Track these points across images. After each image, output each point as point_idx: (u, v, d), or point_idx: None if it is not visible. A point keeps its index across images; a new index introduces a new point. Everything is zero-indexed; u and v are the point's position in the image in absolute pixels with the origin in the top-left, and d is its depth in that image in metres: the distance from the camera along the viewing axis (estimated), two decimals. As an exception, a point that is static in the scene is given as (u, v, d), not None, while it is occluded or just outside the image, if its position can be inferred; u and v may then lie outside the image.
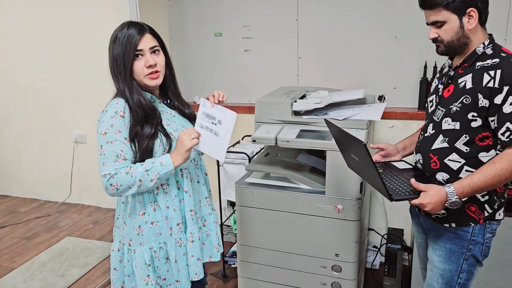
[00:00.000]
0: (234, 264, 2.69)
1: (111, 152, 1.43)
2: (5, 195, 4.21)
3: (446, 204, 1.37)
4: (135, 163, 1.46)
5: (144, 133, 1.46)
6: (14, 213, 3.83)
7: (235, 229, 2.63)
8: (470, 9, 1.38)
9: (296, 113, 2.15)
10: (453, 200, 1.36)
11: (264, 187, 2.12)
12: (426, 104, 1.62)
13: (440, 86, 1.53)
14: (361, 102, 2.29)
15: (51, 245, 3.20)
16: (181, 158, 1.45)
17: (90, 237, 3.32)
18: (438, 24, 1.42)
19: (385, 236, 2.59)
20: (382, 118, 2.54)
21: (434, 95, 1.56)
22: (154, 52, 1.49)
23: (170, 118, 1.56)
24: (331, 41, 2.76)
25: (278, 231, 2.12)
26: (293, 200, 2.05)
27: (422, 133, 1.59)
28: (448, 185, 1.37)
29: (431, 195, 1.36)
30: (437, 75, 1.62)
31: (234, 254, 2.72)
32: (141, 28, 1.47)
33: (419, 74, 2.57)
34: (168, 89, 1.61)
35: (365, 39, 2.68)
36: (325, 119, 1.64)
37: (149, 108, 1.47)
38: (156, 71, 1.49)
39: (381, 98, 2.64)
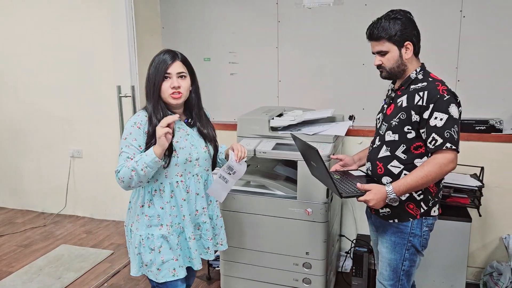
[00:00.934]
0: (217, 267, 2.94)
1: (125, 153, 1.70)
2: (2, 207, 4.42)
3: (386, 201, 1.67)
4: None
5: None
6: (11, 223, 4.04)
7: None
8: (407, 42, 1.71)
9: (273, 128, 2.45)
10: (392, 197, 1.66)
11: (245, 193, 2.40)
12: (376, 122, 1.94)
13: (385, 106, 1.86)
14: (331, 120, 2.61)
15: (47, 252, 3.40)
16: (159, 146, 1.62)
17: (84, 245, 3.54)
18: (382, 53, 1.74)
19: (354, 241, 2.87)
20: (352, 135, 2.88)
21: (381, 114, 1.89)
22: (180, 77, 1.73)
23: (183, 135, 1.79)
24: (308, 67, 3.10)
25: (256, 232, 2.40)
26: (270, 205, 2.34)
27: (371, 145, 1.89)
28: (387, 184, 1.68)
29: (374, 193, 1.66)
30: (384, 97, 1.95)
31: (217, 258, 2.97)
32: (174, 55, 1.74)
33: (383, 96, 2.90)
34: (192, 110, 1.84)
35: (337, 65, 3.02)
36: (291, 133, 1.94)
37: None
38: (179, 92, 1.72)
39: (351, 118, 2.97)
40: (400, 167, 1.74)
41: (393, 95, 1.82)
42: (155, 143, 1.65)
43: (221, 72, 3.34)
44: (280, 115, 2.64)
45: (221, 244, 2.02)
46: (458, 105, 1.67)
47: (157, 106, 1.72)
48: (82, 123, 3.90)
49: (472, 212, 2.52)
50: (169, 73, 1.71)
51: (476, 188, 2.46)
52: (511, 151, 2.66)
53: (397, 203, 1.71)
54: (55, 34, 3.78)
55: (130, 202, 1.89)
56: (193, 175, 1.82)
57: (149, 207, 1.79)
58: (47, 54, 3.84)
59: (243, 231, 2.42)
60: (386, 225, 1.83)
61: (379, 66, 1.79)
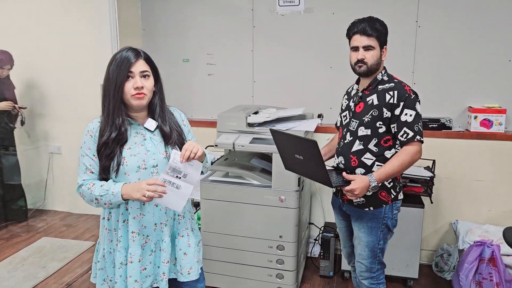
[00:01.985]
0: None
1: (83, 164, 1.63)
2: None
3: (369, 189, 1.88)
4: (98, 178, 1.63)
5: (104, 153, 1.60)
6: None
7: (199, 224, 3.11)
8: (385, 46, 1.98)
9: (250, 125, 2.70)
10: (374, 185, 1.88)
11: (224, 183, 2.64)
12: (340, 119, 2.17)
13: (352, 104, 2.08)
14: (302, 117, 2.88)
15: (29, 244, 3.52)
16: (129, 196, 1.55)
17: (65, 237, 3.67)
18: (369, 48, 1.92)
19: (322, 229, 3.15)
20: (320, 132, 3.16)
21: (347, 111, 2.11)
22: (144, 76, 1.61)
23: (139, 141, 1.64)
24: (280, 69, 3.36)
25: (234, 218, 2.63)
26: (247, 193, 2.58)
27: (342, 140, 2.09)
28: (369, 174, 1.90)
29: (359, 182, 1.85)
30: (345, 97, 2.18)
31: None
32: (137, 53, 1.61)
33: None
34: (154, 111, 1.69)
35: (307, 68, 3.29)
36: (270, 129, 2.09)
37: (122, 129, 1.60)
38: (142, 93, 1.59)
39: (320, 116, 3.25)
40: (372, 159, 1.97)
41: (360, 94, 2.04)
42: (100, 157, 1.60)
43: (199, 72, 3.55)
44: (255, 113, 2.89)
45: (181, 273, 1.72)
46: (419, 102, 1.96)
47: (118, 109, 1.59)
48: (61, 120, 4.01)
49: (426, 200, 2.84)
50: (132, 72, 1.58)
51: (429, 179, 2.79)
52: (459, 146, 3.01)
53: (371, 193, 1.96)
54: (38, 32, 3.87)
55: None
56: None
57: (108, 220, 1.69)
58: (29, 52, 3.93)
59: (222, 218, 2.65)
60: (361, 213, 2.04)
61: (361, 61, 1.94)
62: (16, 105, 3.81)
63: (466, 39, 2.97)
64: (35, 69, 3.99)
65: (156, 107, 1.69)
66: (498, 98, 2.96)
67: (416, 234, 2.79)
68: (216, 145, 2.57)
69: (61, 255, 3.33)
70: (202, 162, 1.65)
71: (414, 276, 2.84)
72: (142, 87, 1.59)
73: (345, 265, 2.86)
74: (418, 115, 1.92)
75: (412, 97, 1.93)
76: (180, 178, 1.57)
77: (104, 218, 1.70)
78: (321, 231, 3.12)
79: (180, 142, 1.70)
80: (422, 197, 2.86)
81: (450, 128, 3.02)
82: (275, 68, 3.38)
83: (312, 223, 3.35)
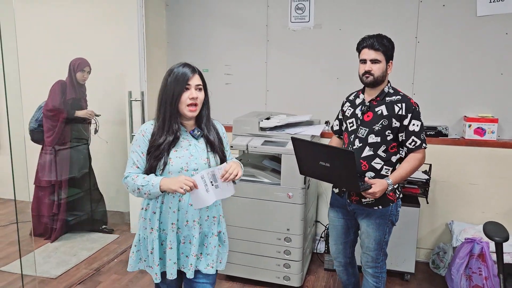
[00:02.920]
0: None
1: (131, 159, 1.84)
2: (11, 199, 4.84)
3: (386, 191, 2.14)
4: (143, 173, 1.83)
5: (154, 154, 1.81)
6: (24, 213, 4.47)
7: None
8: (390, 61, 2.24)
9: (262, 129, 3.00)
10: (391, 187, 2.16)
11: (238, 181, 2.93)
12: (345, 125, 2.37)
13: (358, 112, 2.29)
14: (309, 123, 3.18)
15: (60, 235, 3.87)
16: (168, 187, 1.73)
17: (93, 230, 4.01)
18: (376, 62, 2.16)
19: (327, 226, 3.42)
20: (326, 137, 3.43)
21: (353, 119, 2.30)
22: (198, 89, 1.84)
23: (185, 145, 1.85)
24: (291, 79, 3.67)
25: (247, 213, 2.93)
26: (258, 190, 2.88)
27: (350, 146, 2.30)
28: (387, 178, 2.16)
29: (379, 186, 2.11)
30: (348, 104, 2.40)
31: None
32: (193, 69, 1.84)
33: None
34: (202, 121, 1.91)
35: (315, 78, 3.60)
36: (291, 137, 2.20)
37: (177, 134, 1.82)
38: (196, 104, 1.82)
39: (326, 122, 3.54)
40: (381, 163, 2.23)
41: (368, 104, 2.26)
42: (150, 157, 1.79)
43: (218, 81, 3.88)
44: (267, 118, 3.19)
45: (212, 267, 1.94)
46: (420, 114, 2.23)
47: (174, 116, 1.82)
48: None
49: (423, 203, 3.10)
50: (189, 85, 1.81)
51: (425, 181, 3.05)
52: (454, 152, 3.26)
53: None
54: (75, 44, 4.21)
55: None
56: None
57: (146, 210, 1.90)
58: (65, 62, 4.29)
59: (236, 212, 2.95)
60: (370, 211, 2.27)
61: (367, 72, 2.18)
62: (94, 112, 3.89)
63: (461, 54, 3.24)
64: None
65: (204, 118, 1.91)
66: (491, 108, 3.22)
67: (413, 231, 3.04)
68: (232, 147, 2.88)
69: (90, 246, 3.67)
70: (236, 182, 1.87)
71: (411, 270, 3.10)
72: (197, 98, 1.82)
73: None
74: (422, 125, 2.22)
75: (417, 109, 2.21)
76: (213, 185, 1.77)
77: (142, 208, 1.91)
78: (326, 228, 3.40)
79: (221, 150, 1.93)
80: (419, 198, 3.12)
81: (446, 135, 3.28)
82: (286, 78, 3.69)
83: (319, 221, 3.63)
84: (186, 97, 1.81)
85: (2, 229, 4.06)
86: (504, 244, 2.11)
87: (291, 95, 3.68)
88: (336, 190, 2.43)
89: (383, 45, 2.19)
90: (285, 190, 2.82)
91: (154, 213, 1.87)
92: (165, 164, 1.80)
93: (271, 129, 3.02)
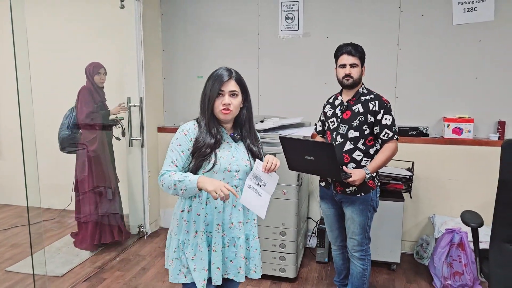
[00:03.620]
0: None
1: (169, 157, 1.81)
2: (9, 204, 4.96)
3: (364, 179, 2.42)
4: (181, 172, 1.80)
5: (200, 155, 1.80)
6: (21, 217, 4.59)
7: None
8: (364, 66, 2.53)
9: (257, 131, 3.20)
10: (369, 176, 2.44)
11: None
12: (327, 124, 2.67)
13: (338, 112, 2.58)
14: (300, 125, 3.39)
15: (61, 237, 4.01)
16: (204, 187, 1.68)
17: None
18: (354, 66, 2.46)
19: (318, 222, 3.64)
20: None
21: (334, 118, 2.60)
22: (232, 95, 1.82)
23: (226, 147, 1.86)
24: (282, 84, 3.89)
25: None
26: (254, 188, 3.08)
27: (333, 142, 2.58)
28: (365, 168, 2.45)
29: (358, 174, 2.40)
30: (328, 106, 2.68)
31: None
32: (230, 74, 1.83)
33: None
34: (243, 126, 1.92)
35: (305, 83, 3.83)
36: (279, 136, 2.44)
37: (217, 137, 1.83)
38: (229, 109, 1.81)
39: (316, 124, 3.75)
40: (361, 155, 2.51)
41: (346, 104, 2.56)
42: (197, 156, 1.79)
43: (212, 87, 4.07)
44: (261, 121, 3.40)
45: (255, 271, 1.95)
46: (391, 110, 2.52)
47: (212, 120, 1.84)
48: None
49: (407, 198, 3.34)
50: (222, 91, 1.81)
51: (408, 177, 3.29)
52: (435, 150, 3.52)
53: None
54: (76, 52, 4.36)
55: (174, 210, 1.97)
56: (232, 186, 1.80)
57: (188, 212, 1.86)
58: (66, 70, 4.44)
59: (234, 209, 3.14)
60: (354, 198, 2.54)
61: (348, 75, 2.48)
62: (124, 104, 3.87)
63: (440, 60, 3.50)
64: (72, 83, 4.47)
65: (244, 122, 1.91)
66: (467, 109, 3.48)
67: (398, 224, 3.27)
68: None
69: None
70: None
71: (397, 260, 3.32)
72: (229, 104, 1.81)
73: (337, 252, 3.33)
74: (393, 119, 2.50)
75: (389, 106, 2.51)
76: (260, 186, 1.78)
77: (183, 211, 1.87)
78: (317, 224, 3.61)
79: (258, 154, 1.92)
80: (403, 193, 3.35)
81: (427, 135, 3.54)
82: (277, 84, 3.91)
83: (310, 218, 3.84)
84: (219, 103, 1.82)
85: (3, 233, 4.18)
86: (480, 233, 2.36)
87: (282, 99, 3.90)
88: (323, 184, 2.70)
89: (359, 51, 2.51)
90: (280, 187, 3.02)
91: (199, 215, 1.85)
92: (214, 163, 1.80)
93: (265, 131, 3.22)
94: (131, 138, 3.91)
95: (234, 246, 1.88)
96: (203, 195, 1.83)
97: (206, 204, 1.84)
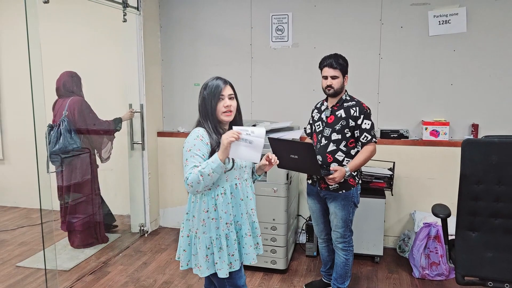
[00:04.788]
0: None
1: (192, 163, 1.94)
2: (15, 206, 5.19)
3: (344, 177, 2.69)
4: None
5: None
6: (27, 218, 4.83)
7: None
8: (346, 76, 2.79)
9: (250, 134, 3.48)
10: (348, 174, 2.70)
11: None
12: (313, 127, 2.94)
13: (323, 116, 2.86)
14: (290, 129, 3.67)
15: (65, 237, 4.24)
16: (223, 153, 1.88)
17: (95, 231, 4.40)
18: (335, 78, 2.72)
19: (308, 219, 3.91)
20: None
21: (320, 122, 2.88)
22: (231, 98, 2.06)
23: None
24: (273, 91, 4.17)
25: (238, 207, 3.38)
26: (247, 186, 3.35)
27: (318, 143, 2.85)
28: (345, 166, 2.71)
29: (338, 172, 2.65)
30: (316, 111, 2.96)
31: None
32: (225, 81, 2.07)
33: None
34: (236, 125, 2.05)
35: (294, 90, 4.11)
36: (268, 137, 2.67)
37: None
38: (230, 111, 2.05)
39: (305, 128, 4.04)
40: (343, 156, 2.78)
41: (330, 109, 2.83)
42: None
43: (208, 94, 4.34)
44: (254, 125, 3.67)
45: (260, 247, 2.24)
46: (371, 115, 2.79)
47: (217, 123, 2.06)
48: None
49: (389, 195, 3.62)
50: (222, 95, 2.03)
51: (389, 176, 3.57)
52: (414, 151, 3.80)
53: (343, 179, 2.74)
54: (81, 60, 4.60)
55: (187, 213, 2.13)
56: (244, 180, 2.11)
57: (215, 210, 2.03)
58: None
59: (228, 206, 3.40)
60: (336, 195, 2.80)
61: (329, 86, 2.73)
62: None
63: (418, 68, 3.80)
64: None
65: (238, 122, 2.15)
66: (443, 113, 3.78)
67: (380, 220, 3.55)
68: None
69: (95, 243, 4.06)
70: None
71: (380, 253, 3.59)
72: (230, 105, 2.05)
73: (325, 246, 3.59)
74: (372, 124, 2.78)
75: (368, 112, 2.78)
76: (249, 134, 1.91)
77: (208, 211, 2.04)
78: (306, 220, 3.88)
79: None
80: (385, 191, 3.63)
81: (407, 137, 3.82)
82: (269, 91, 4.19)
83: (300, 215, 4.11)
84: (221, 106, 2.03)
85: (11, 233, 4.41)
86: (449, 225, 2.63)
87: (273, 104, 4.18)
88: (310, 181, 2.97)
89: (339, 64, 2.74)
90: (271, 185, 3.30)
91: (225, 212, 2.04)
92: (233, 162, 2.02)
93: (257, 134, 3.49)
94: (133, 142, 4.17)
95: (250, 228, 2.15)
96: (227, 191, 2.03)
97: (232, 197, 2.05)
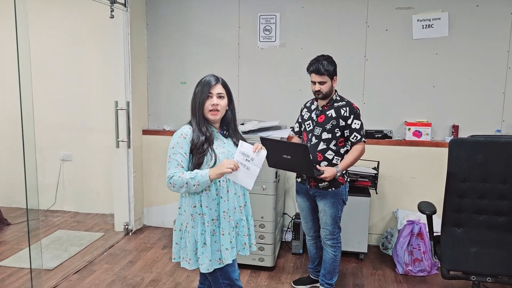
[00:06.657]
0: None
1: (174, 160, 2.00)
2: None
3: (335, 176, 2.74)
4: (188, 171, 2.02)
5: (198, 152, 2.01)
6: (8, 217, 4.70)
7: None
8: (335, 77, 2.83)
9: (238, 133, 3.50)
10: (339, 173, 2.76)
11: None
12: (304, 126, 2.97)
13: (314, 116, 2.90)
14: (277, 128, 3.71)
15: (48, 235, 4.17)
16: (215, 175, 1.95)
17: (78, 230, 4.33)
18: (323, 83, 2.78)
19: (293, 217, 3.96)
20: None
21: (310, 121, 2.92)
22: (220, 97, 2.08)
23: (221, 144, 2.11)
24: (260, 90, 4.20)
25: (226, 205, 3.40)
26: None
27: (308, 142, 2.90)
28: (336, 166, 2.76)
29: (329, 172, 2.72)
30: (305, 110, 3.00)
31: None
32: (216, 79, 2.10)
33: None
34: (229, 126, 2.18)
35: (281, 90, 4.15)
36: (260, 137, 2.70)
37: (207, 134, 2.05)
38: (217, 110, 2.06)
39: (292, 128, 4.08)
40: (332, 155, 2.83)
41: (321, 109, 2.88)
42: (195, 154, 2.00)
43: (194, 93, 4.34)
44: (242, 124, 3.69)
45: (254, 245, 2.28)
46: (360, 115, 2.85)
47: (201, 120, 2.08)
48: (71, 130, 4.72)
49: (373, 194, 3.70)
50: (211, 93, 2.07)
51: (374, 175, 3.65)
52: (398, 151, 3.90)
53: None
54: (66, 56, 4.60)
55: (180, 208, 2.18)
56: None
57: (201, 206, 2.08)
58: (53, 71, 4.64)
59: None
60: (326, 193, 2.85)
61: (318, 91, 2.79)
62: None
63: (401, 70, 3.91)
64: (60, 87, 4.67)
65: (230, 122, 2.19)
66: (425, 114, 3.90)
67: (365, 218, 3.63)
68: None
69: (78, 242, 4.00)
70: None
71: (364, 250, 3.68)
72: (217, 104, 2.07)
73: (311, 243, 3.65)
74: (362, 124, 2.83)
75: (358, 112, 2.84)
76: (249, 161, 2.00)
77: (195, 206, 2.08)
78: (292, 219, 3.93)
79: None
80: (370, 189, 3.71)
81: (391, 137, 3.92)
82: (256, 90, 4.23)
83: (286, 213, 4.16)
84: (208, 104, 2.07)
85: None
86: (434, 223, 2.72)
87: (261, 104, 4.22)
88: (299, 180, 3.01)
89: (326, 70, 2.75)
90: (259, 183, 3.32)
91: (210, 208, 2.07)
92: (215, 159, 2.04)
93: (246, 132, 3.51)
94: (118, 139, 4.12)
95: (236, 227, 2.17)
96: (212, 189, 2.07)
97: (216, 195, 2.08)
